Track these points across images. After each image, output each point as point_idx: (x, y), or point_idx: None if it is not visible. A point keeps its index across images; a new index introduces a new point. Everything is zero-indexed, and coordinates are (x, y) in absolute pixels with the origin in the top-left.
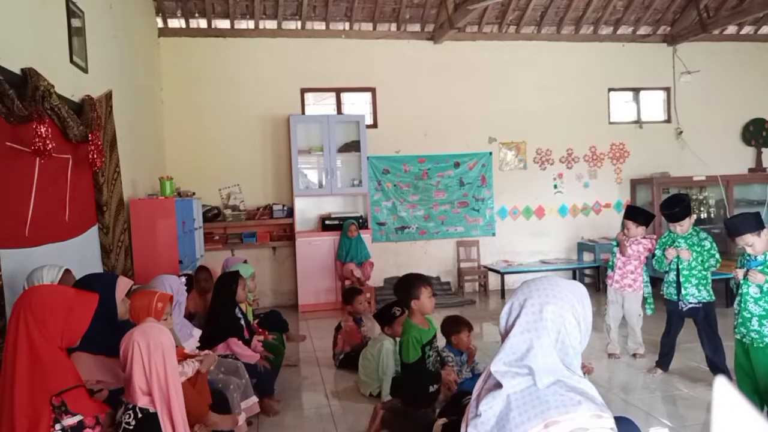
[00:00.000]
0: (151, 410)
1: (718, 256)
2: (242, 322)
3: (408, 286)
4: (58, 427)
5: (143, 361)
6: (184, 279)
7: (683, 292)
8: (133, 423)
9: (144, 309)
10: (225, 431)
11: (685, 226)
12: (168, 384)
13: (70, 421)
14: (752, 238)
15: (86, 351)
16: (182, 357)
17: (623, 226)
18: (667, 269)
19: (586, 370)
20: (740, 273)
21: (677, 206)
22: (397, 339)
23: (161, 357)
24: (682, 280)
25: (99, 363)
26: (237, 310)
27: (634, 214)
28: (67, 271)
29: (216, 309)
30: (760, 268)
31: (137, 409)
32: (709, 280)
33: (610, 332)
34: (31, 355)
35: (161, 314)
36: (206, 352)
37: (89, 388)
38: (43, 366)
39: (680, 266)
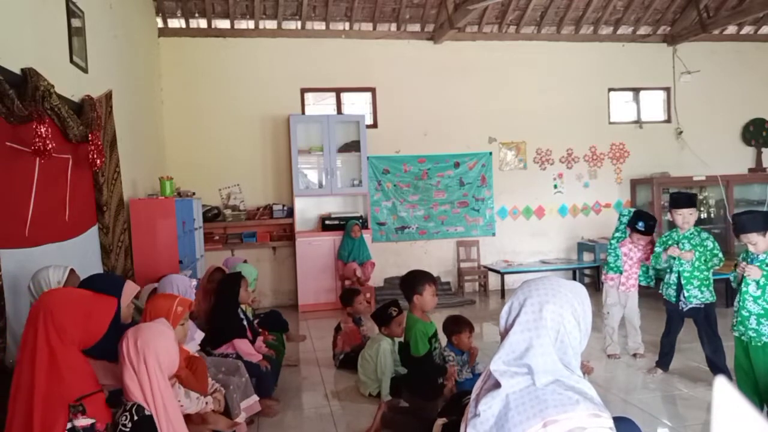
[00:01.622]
0: (147, 412)
1: (721, 255)
2: (245, 323)
3: (412, 281)
4: (68, 425)
5: (131, 357)
6: (194, 281)
7: (686, 294)
8: (129, 426)
9: (163, 312)
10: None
11: (692, 216)
12: (152, 384)
13: (83, 422)
14: (757, 237)
15: (89, 355)
16: (185, 357)
17: (623, 229)
18: (669, 270)
19: (586, 370)
20: (741, 267)
21: (685, 194)
22: (396, 339)
23: (142, 356)
24: (683, 282)
25: (100, 366)
26: (239, 311)
27: (650, 225)
28: (72, 271)
29: (220, 310)
30: (758, 264)
31: (134, 411)
32: (711, 281)
33: (613, 334)
34: (51, 361)
35: (180, 318)
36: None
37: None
38: (60, 372)
39: (681, 269)
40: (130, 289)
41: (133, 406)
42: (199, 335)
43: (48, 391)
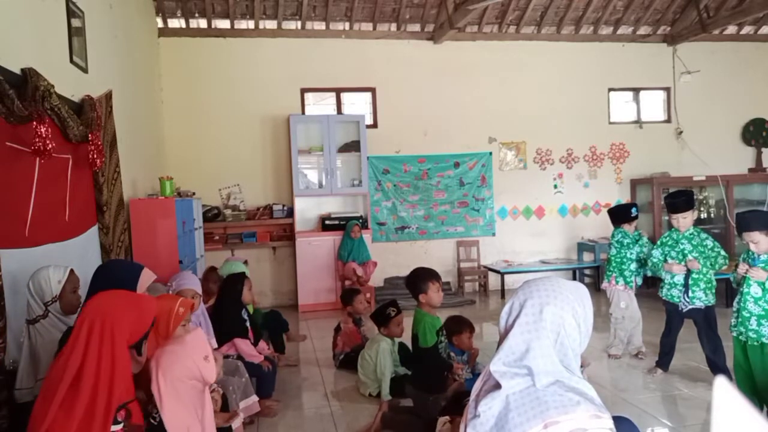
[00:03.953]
0: None
1: (723, 252)
2: (247, 324)
3: (416, 280)
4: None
5: (159, 384)
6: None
7: (690, 294)
8: (158, 418)
9: (165, 313)
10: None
11: (687, 219)
12: (162, 397)
13: (115, 427)
14: (759, 236)
15: None
16: None
17: (626, 234)
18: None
19: (582, 363)
20: (744, 268)
21: (681, 196)
22: (396, 339)
23: (161, 383)
24: (690, 282)
25: None
26: (243, 312)
27: (628, 214)
28: (72, 272)
29: (223, 309)
30: (762, 265)
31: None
32: (714, 284)
33: (624, 338)
34: (106, 362)
35: (181, 320)
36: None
37: None
38: (114, 373)
39: (691, 270)
40: (146, 277)
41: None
42: (212, 344)
43: (100, 392)
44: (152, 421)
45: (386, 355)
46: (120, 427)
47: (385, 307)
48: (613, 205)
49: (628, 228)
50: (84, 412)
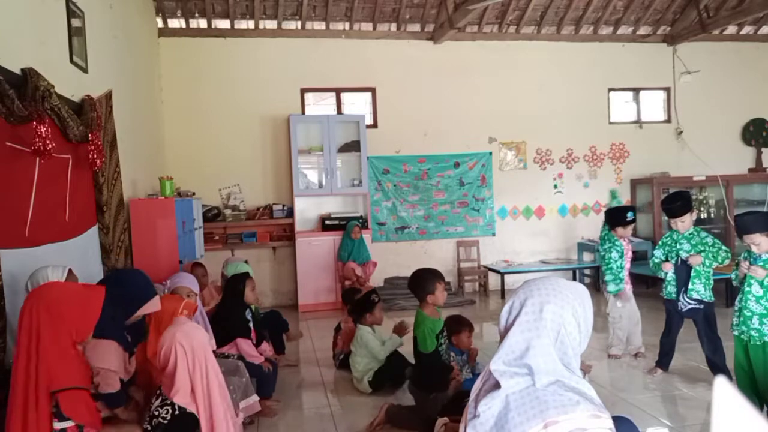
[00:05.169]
0: (188, 410)
1: (725, 246)
2: (251, 324)
3: (423, 281)
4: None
5: (187, 362)
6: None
7: (690, 286)
8: (169, 418)
9: (168, 314)
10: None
11: (686, 222)
12: (210, 384)
13: (57, 425)
14: (760, 238)
15: (116, 341)
16: None
17: (610, 237)
18: (675, 267)
19: (584, 369)
20: (745, 265)
21: (677, 201)
22: (375, 327)
23: (203, 357)
24: (692, 274)
25: (114, 352)
26: (247, 312)
27: (634, 210)
28: (70, 271)
29: (226, 309)
30: (762, 264)
31: (176, 406)
32: (712, 281)
33: (623, 337)
34: (32, 349)
35: None
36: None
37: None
38: (39, 359)
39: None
40: (152, 305)
41: (174, 401)
42: (212, 345)
43: (26, 378)
44: (162, 420)
45: (371, 340)
46: (71, 424)
47: (368, 295)
48: (613, 205)
49: (622, 232)
50: (23, 397)
